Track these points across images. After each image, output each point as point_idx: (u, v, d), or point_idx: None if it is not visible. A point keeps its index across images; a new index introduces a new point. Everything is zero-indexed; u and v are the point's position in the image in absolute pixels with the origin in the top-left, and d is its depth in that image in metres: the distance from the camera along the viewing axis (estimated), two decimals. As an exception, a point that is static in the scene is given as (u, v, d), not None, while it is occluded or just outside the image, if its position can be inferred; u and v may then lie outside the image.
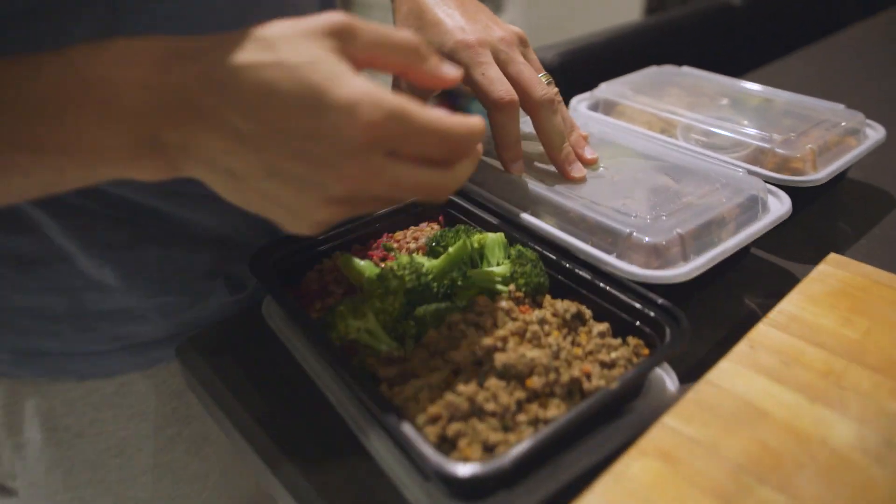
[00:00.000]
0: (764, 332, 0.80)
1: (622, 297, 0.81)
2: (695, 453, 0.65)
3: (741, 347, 0.78)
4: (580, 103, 1.35)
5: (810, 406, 0.69)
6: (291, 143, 0.50)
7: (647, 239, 0.87)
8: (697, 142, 1.20)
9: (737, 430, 0.68)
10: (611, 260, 0.87)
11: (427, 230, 1.03)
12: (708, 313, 0.96)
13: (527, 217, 0.98)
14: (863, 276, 0.88)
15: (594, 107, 1.34)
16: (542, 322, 0.79)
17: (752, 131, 1.15)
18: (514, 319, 0.79)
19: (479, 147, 0.63)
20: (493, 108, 0.91)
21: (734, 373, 0.75)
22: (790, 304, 0.84)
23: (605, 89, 1.33)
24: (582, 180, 0.98)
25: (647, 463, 0.64)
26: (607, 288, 0.83)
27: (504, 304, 0.82)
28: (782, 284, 1.02)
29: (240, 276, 1.03)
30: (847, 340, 0.78)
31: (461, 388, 0.71)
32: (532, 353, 0.73)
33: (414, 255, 0.94)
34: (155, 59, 0.50)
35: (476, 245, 0.91)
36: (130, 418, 0.97)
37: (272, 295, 0.88)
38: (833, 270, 0.90)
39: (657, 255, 0.86)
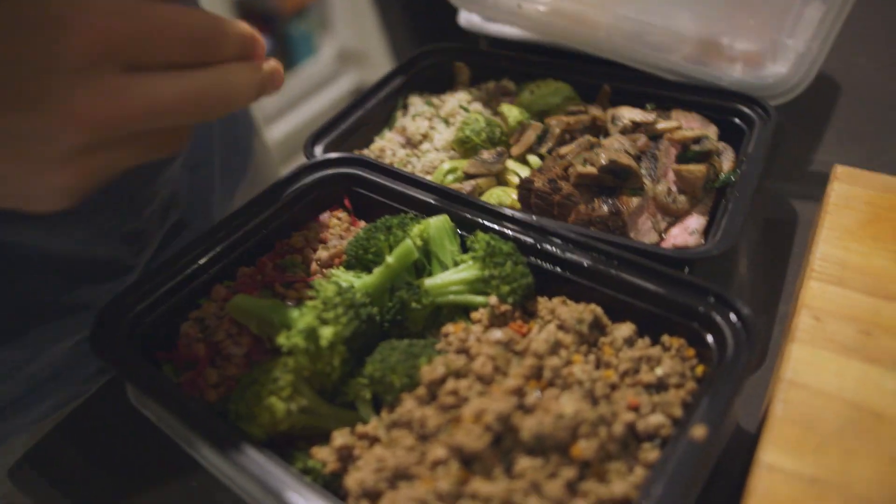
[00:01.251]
0: (819, 291, 0.62)
1: (642, 282, 0.60)
2: (825, 500, 0.47)
3: (804, 320, 0.60)
4: (470, 13, 1.08)
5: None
6: None
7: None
8: (632, 42, 0.98)
9: (858, 451, 0.50)
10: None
11: (336, 225, 0.75)
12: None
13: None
14: (884, 190, 0.73)
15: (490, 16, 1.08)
16: (555, 348, 0.56)
17: (693, 23, 0.94)
18: (517, 353, 0.55)
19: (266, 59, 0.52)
20: None
21: (813, 360, 0.57)
22: (829, 245, 0.67)
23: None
24: None
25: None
26: (623, 275, 0.60)
27: (488, 329, 0.58)
28: (789, 213, 0.85)
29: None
30: (915, 283, 0.62)
31: (485, 488, 0.47)
32: (567, 405, 0.50)
33: (333, 273, 0.66)
34: None
35: (418, 241, 0.65)
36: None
37: (133, 383, 0.58)
38: (849, 188, 0.74)
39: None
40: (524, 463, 0.48)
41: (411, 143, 0.88)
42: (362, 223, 0.76)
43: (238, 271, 0.69)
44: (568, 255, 0.63)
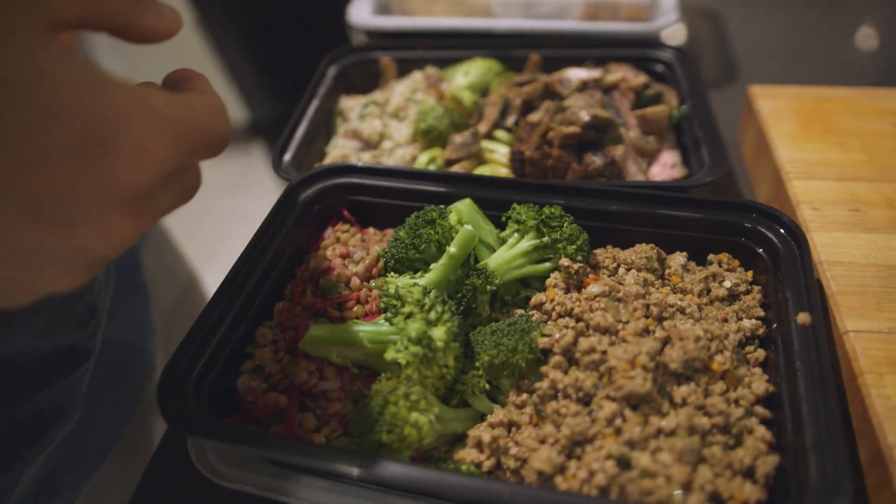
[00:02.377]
0: (803, 187, 0.73)
1: (680, 212, 0.66)
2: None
3: (808, 212, 0.70)
4: (362, 10, 1.08)
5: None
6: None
7: None
8: (522, 16, 1.04)
9: (907, 300, 0.60)
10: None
11: (349, 238, 0.72)
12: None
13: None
14: (798, 99, 0.87)
15: (382, 8, 1.08)
16: (646, 286, 0.60)
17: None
18: (619, 300, 0.58)
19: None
20: None
21: (832, 241, 0.67)
22: (787, 150, 0.78)
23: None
24: None
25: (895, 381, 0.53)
26: (660, 211, 0.66)
27: (583, 287, 0.61)
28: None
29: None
30: (864, 164, 0.76)
31: (666, 423, 0.49)
32: (693, 329, 0.54)
33: (386, 281, 0.64)
34: None
35: (459, 227, 0.65)
36: None
37: (235, 441, 0.52)
38: (774, 102, 0.86)
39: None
40: (682, 391, 0.52)
41: (370, 145, 0.86)
42: (371, 230, 0.74)
43: (274, 309, 0.64)
44: (603, 207, 0.67)
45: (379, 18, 1.06)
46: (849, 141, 0.79)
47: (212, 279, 0.84)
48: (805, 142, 0.79)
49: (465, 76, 0.92)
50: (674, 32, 1.00)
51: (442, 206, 0.69)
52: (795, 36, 1.24)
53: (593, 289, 0.58)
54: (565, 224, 0.64)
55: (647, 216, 0.67)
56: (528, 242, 0.64)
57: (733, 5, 1.32)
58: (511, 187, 0.70)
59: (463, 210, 0.67)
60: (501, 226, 0.69)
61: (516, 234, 0.66)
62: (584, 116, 0.76)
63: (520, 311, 0.62)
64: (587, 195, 0.68)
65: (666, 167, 0.79)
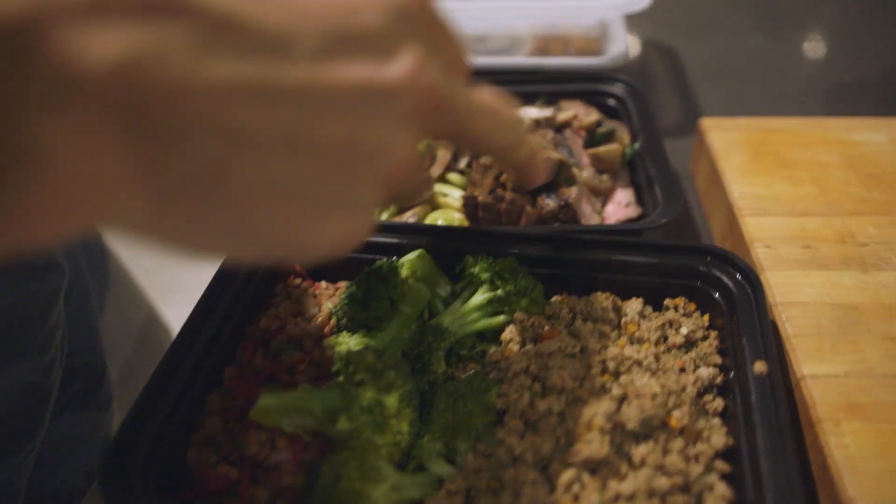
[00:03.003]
0: (756, 224, 0.74)
1: (635, 258, 0.65)
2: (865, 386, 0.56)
3: (761, 251, 0.70)
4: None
5: (867, 276, 0.67)
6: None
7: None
8: (473, 51, 1.04)
9: (860, 341, 0.61)
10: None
11: (301, 294, 0.70)
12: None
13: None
14: (748, 130, 0.88)
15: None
16: (603, 339, 0.59)
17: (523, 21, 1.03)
18: (574, 356, 0.57)
19: None
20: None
21: (786, 281, 0.68)
22: (739, 185, 0.79)
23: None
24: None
25: (853, 428, 0.53)
26: (614, 257, 0.65)
27: (536, 343, 0.60)
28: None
29: None
30: (814, 197, 0.77)
31: (625, 487, 0.49)
32: (650, 385, 0.54)
33: (338, 342, 0.63)
34: None
35: (411, 281, 0.64)
36: None
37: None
38: (724, 135, 0.87)
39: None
40: (641, 450, 0.51)
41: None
42: (323, 284, 0.72)
43: (224, 374, 0.62)
44: (557, 254, 0.66)
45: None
46: (798, 174, 0.80)
47: (175, 312, 0.80)
48: (756, 175, 0.80)
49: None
50: (624, 64, 1.00)
51: (394, 258, 0.68)
52: (744, 61, 1.26)
53: (549, 345, 0.57)
54: (519, 276, 0.63)
55: (603, 262, 0.66)
56: (481, 296, 0.63)
57: (682, 33, 1.34)
58: (464, 237, 0.69)
59: (416, 263, 0.66)
60: (456, 276, 0.68)
61: (471, 287, 0.65)
62: (536, 159, 0.75)
63: (476, 368, 0.61)
64: (541, 242, 0.68)
65: (620, 206, 0.79)
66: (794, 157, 0.82)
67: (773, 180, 0.79)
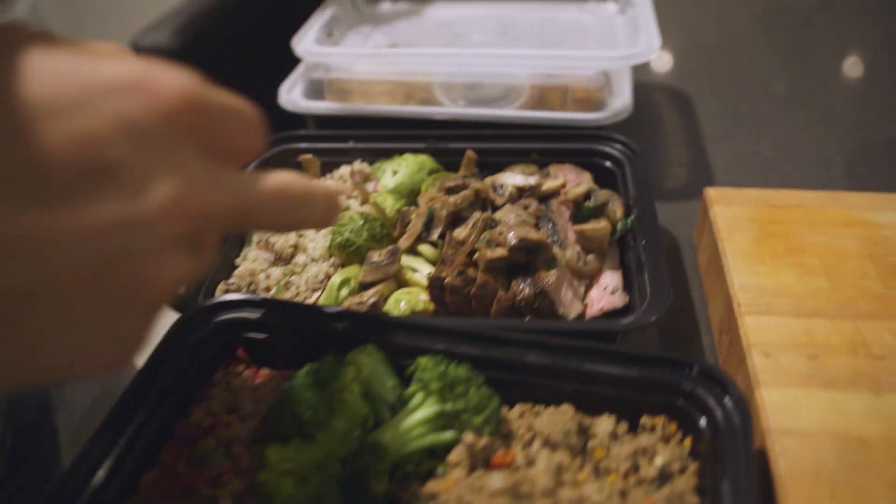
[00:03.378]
0: (756, 325, 0.65)
1: (611, 368, 0.57)
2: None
3: (758, 361, 0.61)
4: (291, 92, 1.00)
5: (879, 399, 0.57)
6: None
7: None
8: (464, 100, 0.97)
9: (864, 486, 0.52)
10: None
11: (241, 386, 0.63)
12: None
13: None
14: (757, 205, 0.79)
15: (313, 92, 1.00)
16: (559, 474, 0.51)
17: (524, 68, 0.95)
18: (525, 496, 0.50)
19: None
20: None
21: (784, 402, 0.59)
22: (741, 275, 0.70)
23: (310, 52, 0.99)
24: None
25: None
26: (587, 367, 0.57)
27: (481, 475, 0.52)
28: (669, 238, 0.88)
29: None
30: (825, 294, 0.68)
31: None
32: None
33: (267, 454, 0.56)
34: None
35: (355, 388, 0.57)
36: None
37: None
38: (728, 209, 0.79)
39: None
40: None
41: (282, 259, 0.78)
42: (265, 371, 0.66)
43: (141, 481, 0.56)
44: (521, 358, 0.59)
45: (309, 102, 0.98)
46: (810, 261, 0.71)
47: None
48: (761, 263, 0.71)
49: (392, 175, 0.84)
50: (629, 114, 0.92)
51: (338, 356, 0.61)
52: (762, 111, 1.16)
53: (494, 483, 0.50)
54: (472, 390, 0.55)
55: (573, 372, 0.58)
56: (429, 410, 0.56)
57: (697, 77, 1.25)
58: (419, 332, 0.62)
59: (363, 363, 0.59)
60: (408, 378, 0.60)
61: (420, 394, 0.57)
62: (512, 239, 0.68)
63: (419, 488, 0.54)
64: (504, 344, 0.60)
65: (605, 293, 0.71)
66: (807, 240, 0.74)
67: (780, 269, 0.70)
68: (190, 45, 1.64)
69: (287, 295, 0.74)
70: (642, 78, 1.19)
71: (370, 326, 0.63)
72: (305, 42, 0.98)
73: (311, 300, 0.74)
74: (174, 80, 0.35)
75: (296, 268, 0.77)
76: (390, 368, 0.61)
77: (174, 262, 0.35)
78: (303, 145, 0.91)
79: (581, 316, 0.70)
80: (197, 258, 0.38)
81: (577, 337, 0.63)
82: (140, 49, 1.58)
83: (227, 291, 0.75)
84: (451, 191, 0.79)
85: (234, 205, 0.38)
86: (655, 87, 1.23)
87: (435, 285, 0.70)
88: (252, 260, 0.78)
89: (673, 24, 1.43)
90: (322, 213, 0.44)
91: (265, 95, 1.01)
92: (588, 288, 0.73)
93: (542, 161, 0.87)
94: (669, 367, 0.57)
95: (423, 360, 0.59)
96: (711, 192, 0.81)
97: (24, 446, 0.74)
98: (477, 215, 0.75)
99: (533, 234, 0.68)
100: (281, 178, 0.41)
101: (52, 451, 0.79)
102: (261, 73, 1.14)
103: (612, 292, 0.71)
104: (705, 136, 1.09)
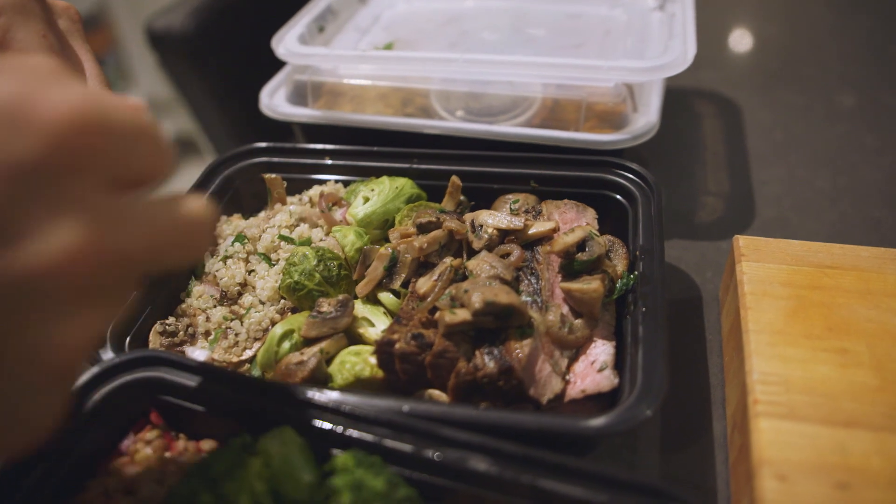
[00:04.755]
0: (772, 433, 0.52)
1: (560, 487, 0.45)
2: None
3: (768, 484, 0.49)
4: (274, 96, 0.90)
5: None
6: None
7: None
8: (464, 111, 0.84)
9: None
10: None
11: (145, 460, 0.54)
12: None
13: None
14: (794, 262, 0.65)
15: (297, 96, 0.89)
16: None
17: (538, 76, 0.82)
18: None
19: None
20: None
21: None
22: (763, 359, 0.57)
23: (291, 53, 0.87)
24: None
25: None
26: (544, 485, 0.46)
27: None
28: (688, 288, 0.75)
29: None
30: (870, 393, 0.54)
31: None
32: None
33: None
34: None
35: (259, 486, 0.47)
36: None
37: None
38: (758, 267, 0.65)
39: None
40: None
41: (228, 297, 0.68)
42: (181, 441, 0.57)
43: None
44: (464, 463, 0.47)
45: (292, 108, 0.88)
46: (855, 347, 0.56)
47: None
48: (791, 345, 0.57)
49: (364, 203, 0.73)
50: (653, 135, 0.78)
51: (248, 441, 0.51)
52: (820, 130, 0.99)
53: None
54: (387, 511, 0.44)
55: (526, 487, 0.47)
56: (333, 533, 0.45)
57: (743, 84, 1.08)
58: (348, 417, 0.51)
59: (274, 453, 0.49)
60: (328, 471, 0.50)
61: (332, 501, 0.47)
62: (476, 302, 0.56)
63: None
64: (446, 444, 0.49)
65: (593, 368, 0.58)
66: (856, 316, 0.59)
67: (814, 355, 0.56)
68: (204, 29, 1.55)
69: (225, 344, 0.65)
70: (677, 82, 1.02)
71: (293, 404, 0.53)
72: (287, 41, 0.87)
73: (250, 351, 0.64)
74: (59, 101, 0.30)
75: (241, 309, 0.67)
76: (308, 459, 0.51)
77: (79, 321, 0.31)
78: (276, 159, 0.81)
79: (559, 397, 0.58)
80: (110, 308, 0.33)
81: (545, 436, 0.51)
82: (154, 32, 1.52)
83: (161, 333, 0.66)
84: (422, 228, 0.67)
85: (146, 243, 0.33)
86: (692, 92, 1.06)
87: (384, 350, 0.58)
88: (197, 296, 0.68)
89: (719, 15, 1.25)
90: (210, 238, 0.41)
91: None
92: (573, 360, 0.60)
93: (542, 191, 0.74)
94: (649, 497, 0.45)
95: (342, 459, 0.49)
96: (742, 242, 0.67)
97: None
98: (446, 263, 0.63)
99: (502, 297, 0.56)
100: (194, 205, 0.36)
101: None
102: (274, 64, 1.05)
103: (600, 370, 0.58)
104: (750, 159, 0.93)
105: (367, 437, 0.50)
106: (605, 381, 0.57)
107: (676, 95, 0.87)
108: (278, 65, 1.04)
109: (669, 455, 0.61)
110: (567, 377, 0.59)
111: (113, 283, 0.32)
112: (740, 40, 1.22)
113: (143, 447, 0.56)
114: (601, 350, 0.60)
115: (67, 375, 0.33)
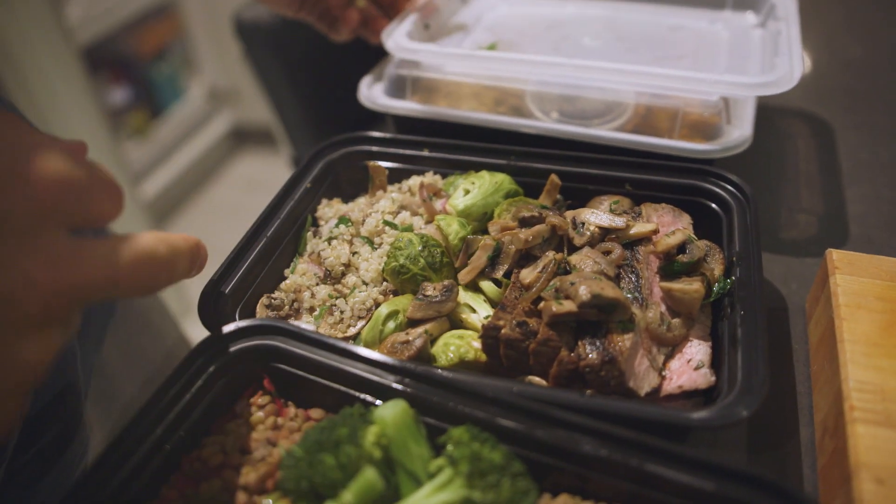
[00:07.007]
0: (869, 438, 0.54)
1: (678, 474, 0.48)
2: None
3: (867, 487, 0.50)
4: (372, 88, 0.94)
5: None
6: None
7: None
8: (559, 113, 0.87)
9: None
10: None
11: (259, 422, 0.58)
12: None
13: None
14: (891, 278, 0.67)
15: (395, 89, 0.93)
16: None
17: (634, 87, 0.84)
18: None
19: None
20: None
21: None
22: (859, 368, 0.59)
23: (400, 48, 0.91)
24: None
25: None
26: (649, 468, 0.48)
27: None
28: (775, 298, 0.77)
29: None
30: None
31: None
32: None
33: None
34: None
35: (376, 453, 0.50)
36: None
37: None
38: (853, 281, 0.66)
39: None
40: None
41: (332, 277, 0.72)
42: (291, 408, 0.61)
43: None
44: (573, 445, 0.50)
45: (389, 101, 0.92)
46: (954, 363, 0.58)
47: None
48: (887, 357, 0.59)
49: (464, 195, 0.76)
50: (747, 147, 0.80)
51: (363, 410, 0.54)
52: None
53: None
54: (506, 481, 0.48)
55: (632, 470, 0.49)
56: (453, 494, 0.49)
57: (837, 102, 1.09)
58: (460, 393, 0.55)
59: (389, 423, 0.53)
60: (439, 446, 0.53)
61: (448, 471, 0.50)
62: (584, 294, 0.59)
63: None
64: (555, 424, 0.52)
65: (688, 367, 0.61)
66: (954, 333, 0.61)
67: (912, 368, 0.58)
68: (290, 22, 1.60)
69: (331, 320, 0.69)
70: (767, 99, 1.04)
71: (405, 379, 0.56)
72: (396, 35, 0.91)
73: (354, 329, 0.68)
74: (46, 171, 0.37)
75: (344, 288, 0.71)
76: (420, 432, 0.54)
77: (36, 343, 0.37)
78: (375, 148, 0.85)
79: (655, 391, 0.60)
80: (62, 334, 0.39)
81: (646, 425, 0.54)
82: (242, 24, 1.57)
83: (268, 306, 0.70)
84: (524, 222, 0.70)
85: (100, 278, 0.39)
86: (783, 110, 1.08)
87: (489, 335, 0.62)
88: (301, 273, 0.73)
89: (812, 32, 1.26)
90: (186, 268, 0.46)
91: (357, 82, 0.96)
92: (668, 357, 0.63)
93: (636, 194, 0.76)
94: (752, 485, 0.47)
95: (457, 432, 0.52)
96: (835, 256, 0.69)
97: (47, 410, 0.74)
98: (549, 256, 0.66)
99: (609, 291, 0.59)
100: (146, 242, 0.42)
101: (75, 415, 0.79)
102: (358, 58, 1.09)
103: (697, 368, 0.61)
104: (841, 177, 0.94)
105: (480, 413, 0.54)
106: (701, 378, 0.60)
107: (761, 111, 0.89)
108: (360, 59, 1.09)
109: (755, 456, 0.63)
110: (662, 373, 0.62)
111: (70, 309, 0.38)
112: (826, 60, 1.23)
113: (256, 411, 0.61)
114: (697, 349, 0.62)
115: (25, 389, 0.38)
